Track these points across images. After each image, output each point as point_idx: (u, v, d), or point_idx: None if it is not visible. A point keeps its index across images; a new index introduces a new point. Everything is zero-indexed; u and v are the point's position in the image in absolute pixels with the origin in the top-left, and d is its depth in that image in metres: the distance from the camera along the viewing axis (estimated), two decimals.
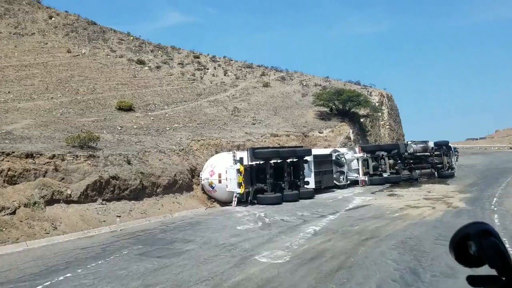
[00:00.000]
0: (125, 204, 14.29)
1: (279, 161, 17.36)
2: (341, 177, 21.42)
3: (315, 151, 20.37)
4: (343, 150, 23.13)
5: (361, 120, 35.40)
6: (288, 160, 17.68)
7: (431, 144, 25.24)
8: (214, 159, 17.15)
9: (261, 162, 16.66)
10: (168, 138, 19.28)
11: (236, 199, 15.73)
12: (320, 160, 19.70)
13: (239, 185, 15.53)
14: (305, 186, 18.12)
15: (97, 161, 14.57)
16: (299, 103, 36.69)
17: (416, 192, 19.16)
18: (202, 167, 17.32)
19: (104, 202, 14.10)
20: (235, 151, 16.26)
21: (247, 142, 24.00)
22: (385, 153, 23.75)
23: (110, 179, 14.37)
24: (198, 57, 47.36)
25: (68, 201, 13.16)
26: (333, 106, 34.28)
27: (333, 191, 20.39)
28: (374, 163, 23.19)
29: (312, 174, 19.08)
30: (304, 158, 18.19)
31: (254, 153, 16.23)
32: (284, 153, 16.96)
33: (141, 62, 40.83)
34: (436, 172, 25.09)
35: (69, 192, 13.32)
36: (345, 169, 21.55)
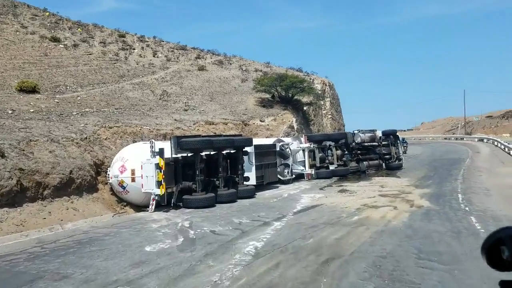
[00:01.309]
0: None
1: (212, 153, 14.04)
2: (286, 170, 18.64)
3: (257, 141, 17.36)
4: (287, 140, 20.38)
5: (305, 108, 33.16)
6: (224, 152, 14.44)
7: (379, 133, 23.43)
8: (126, 150, 13.36)
9: (189, 155, 13.22)
10: (68, 124, 15.04)
11: (154, 202, 12.16)
12: (263, 152, 16.70)
13: (159, 184, 11.97)
14: (245, 182, 15.02)
15: None
16: (238, 89, 33.51)
17: (368, 187, 16.92)
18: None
19: None
20: (153, 140, 12.61)
21: (176, 130, 20.33)
22: (332, 143, 21.41)
23: None
24: (123, 36, 42.11)
25: None
26: (275, 93, 31.58)
27: (277, 187, 17.54)
28: (321, 154, 20.75)
29: (253, 168, 16.03)
30: (244, 149, 15.05)
31: (180, 143, 12.74)
32: (218, 143, 13.66)
33: (55, 40, 34.95)
34: (383, 164, 23.37)
35: None
36: (290, 161, 18.80)
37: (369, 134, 23.01)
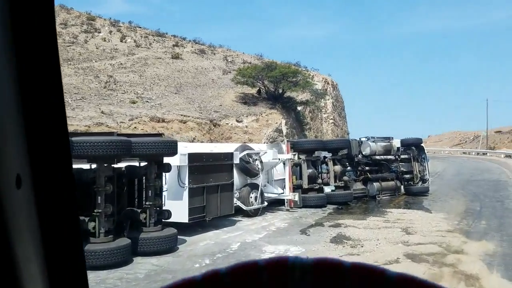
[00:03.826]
0: None
1: (86, 167, 7.39)
2: (253, 195, 11.94)
3: (195, 148, 10.83)
4: (259, 147, 13.68)
5: (299, 108, 26.50)
6: (119, 166, 7.80)
7: (396, 143, 16.68)
8: None
9: None
10: None
11: None
12: (207, 166, 9.99)
13: None
14: (163, 220, 8.33)
15: None
16: (217, 82, 27.01)
17: (383, 230, 10.16)
18: None
19: None
20: None
21: (95, 127, 13.77)
22: (329, 155, 14.75)
23: None
24: (93, 19, 35.82)
25: None
26: (262, 87, 25.00)
27: (234, 223, 10.85)
28: (310, 171, 14.04)
29: (185, 194, 9.35)
30: (165, 161, 8.37)
31: None
32: (93, 149, 6.93)
33: None
34: (402, 186, 16.56)
35: None
36: (259, 180, 12.09)
37: (383, 144, 16.27)
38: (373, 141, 16.07)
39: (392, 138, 16.71)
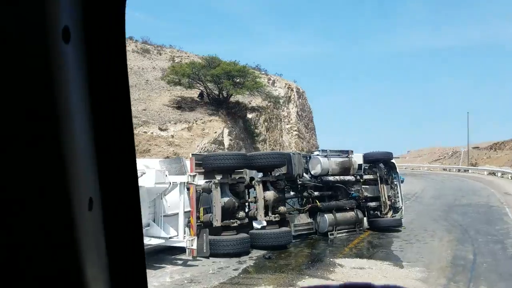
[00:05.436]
0: None
1: None
2: None
3: None
4: (144, 163, 9.01)
5: (249, 116, 22.04)
6: None
7: (357, 159, 12.27)
8: None
9: None
10: None
11: None
12: None
13: None
14: None
15: None
16: (152, 83, 22.43)
17: None
18: None
19: None
20: None
21: None
22: (258, 176, 10.31)
23: None
24: None
25: None
26: (203, 89, 20.51)
27: None
28: (227, 200, 9.47)
29: None
30: None
31: None
32: None
33: None
34: (365, 218, 12.10)
35: None
36: None
37: (338, 160, 11.83)
38: (325, 156, 11.64)
39: (352, 151, 12.32)
